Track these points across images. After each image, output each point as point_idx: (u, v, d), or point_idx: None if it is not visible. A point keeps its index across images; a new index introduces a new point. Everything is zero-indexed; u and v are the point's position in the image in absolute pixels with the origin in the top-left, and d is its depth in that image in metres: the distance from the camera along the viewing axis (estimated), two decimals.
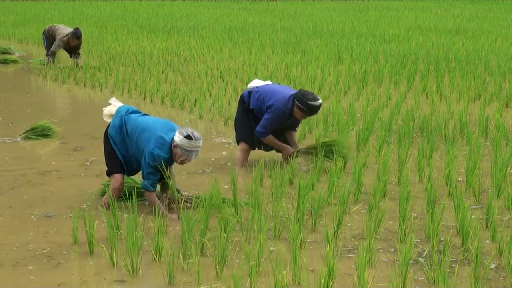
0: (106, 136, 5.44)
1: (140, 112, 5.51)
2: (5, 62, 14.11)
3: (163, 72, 12.27)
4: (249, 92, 6.58)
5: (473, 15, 26.37)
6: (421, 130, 7.79)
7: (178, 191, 5.38)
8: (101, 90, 10.95)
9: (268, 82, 6.73)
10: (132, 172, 5.48)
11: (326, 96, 10.05)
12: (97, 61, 13.86)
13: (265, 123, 6.35)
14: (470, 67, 12.38)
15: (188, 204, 5.31)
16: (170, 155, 5.14)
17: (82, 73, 12.12)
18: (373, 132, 7.58)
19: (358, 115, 8.63)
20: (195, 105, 9.37)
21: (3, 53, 15.04)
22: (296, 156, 6.45)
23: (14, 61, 14.19)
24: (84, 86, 11.39)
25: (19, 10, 28.38)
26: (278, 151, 6.59)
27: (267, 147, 6.59)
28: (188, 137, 5.04)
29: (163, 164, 5.11)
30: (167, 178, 5.18)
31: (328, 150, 6.38)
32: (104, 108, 5.61)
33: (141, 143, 5.19)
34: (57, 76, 12.08)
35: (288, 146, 6.49)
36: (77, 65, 12.86)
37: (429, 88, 10.39)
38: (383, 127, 7.66)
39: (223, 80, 11.40)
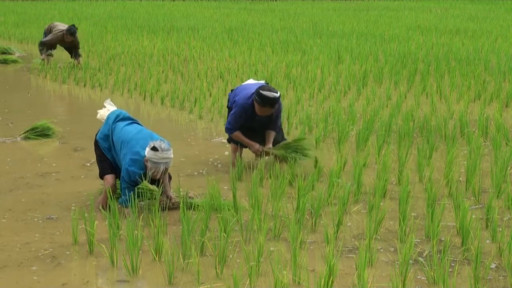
0: (96, 140, 5.48)
1: (129, 119, 5.47)
2: (5, 62, 14.11)
3: (163, 72, 12.27)
4: (232, 91, 6.67)
5: (473, 15, 26.36)
6: (421, 130, 7.78)
7: (169, 197, 5.35)
8: (101, 90, 10.95)
9: (261, 82, 6.72)
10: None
11: (326, 96, 10.05)
12: (97, 61, 13.86)
13: (230, 119, 6.41)
14: (470, 67, 12.37)
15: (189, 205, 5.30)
16: (144, 170, 5.10)
17: (82, 73, 12.13)
18: (373, 132, 7.58)
19: (358, 115, 8.63)
20: (195, 105, 9.37)
21: (3, 53, 15.04)
22: (268, 154, 6.37)
23: (14, 61, 14.18)
24: (84, 86, 11.39)
25: (19, 10, 28.38)
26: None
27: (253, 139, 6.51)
28: (153, 148, 4.96)
29: (141, 179, 5.11)
30: (160, 187, 5.19)
31: (295, 149, 6.32)
32: (98, 111, 5.63)
33: (122, 157, 5.21)
34: (57, 76, 12.09)
35: (255, 143, 6.40)
36: (78, 63, 12.88)
37: (429, 88, 10.39)
38: (383, 127, 7.66)
39: (223, 80, 11.39)
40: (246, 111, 6.28)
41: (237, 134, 6.41)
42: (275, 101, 6.13)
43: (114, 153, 5.38)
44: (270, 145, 6.43)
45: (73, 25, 12.69)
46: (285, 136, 6.84)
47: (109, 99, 5.78)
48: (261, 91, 6.11)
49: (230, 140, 6.63)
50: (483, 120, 7.79)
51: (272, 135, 6.46)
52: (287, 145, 6.43)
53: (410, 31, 19.51)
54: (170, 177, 5.55)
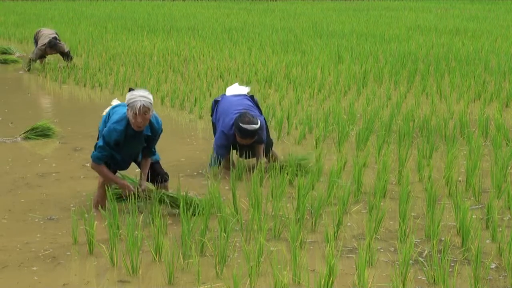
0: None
1: None
2: (5, 62, 14.11)
3: (163, 72, 12.27)
4: (216, 102, 6.53)
5: (473, 15, 26.37)
6: (421, 130, 7.79)
7: (142, 187, 5.29)
8: (101, 90, 10.95)
9: (247, 89, 6.62)
10: (118, 166, 5.46)
11: (326, 96, 10.05)
12: (97, 61, 13.86)
13: (215, 147, 6.23)
14: (470, 67, 12.38)
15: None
16: (126, 128, 5.11)
17: (82, 73, 12.13)
18: (373, 132, 7.58)
19: (358, 115, 8.63)
20: (195, 105, 9.37)
21: (3, 53, 15.03)
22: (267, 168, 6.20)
23: (14, 61, 14.18)
24: (84, 86, 11.39)
25: (19, 10, 28.38)
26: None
27: (244, 155, 6.40)
28: (131, 89, 5.09)
29: (116, 140, 5.10)
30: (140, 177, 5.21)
31: (296, 165, 6.15)
32: (104, 111, 5.64)
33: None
34: (57, 76, 12.09)
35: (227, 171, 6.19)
36: (75, 64, 12.90)
37: (429, 88, 10.39)
38: (383, 127, 7.66)
39: (223, 80, 11.39)
40: (228, 140, 6.17)
41: (214, 170, 6.17)
42: (255, 133, 6.02)
43: None
44: (263, 159, 6.31)
45: (54, 37, 12.66)
46: (286, 136, 6.82)
47: (116, 98, 5.82)
48: (240, 124, 5.96)
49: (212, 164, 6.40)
50: (483, 120, 7.80)
51: (261, 148, 6.32)
52: (289, 161, 6.28)
53: (410, 31, 19.51)
54: (166, 178, 5.52)
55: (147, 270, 4.32)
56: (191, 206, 5.10)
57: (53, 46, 12.57)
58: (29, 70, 12.96)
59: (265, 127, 6.33)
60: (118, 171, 5.47)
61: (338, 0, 39.46)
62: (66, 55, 12.99)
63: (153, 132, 5.29)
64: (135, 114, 5.01)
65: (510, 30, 19.60)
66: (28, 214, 5.32)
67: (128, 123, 5.13)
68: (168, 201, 5.22)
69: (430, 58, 13.58)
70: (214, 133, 6.59)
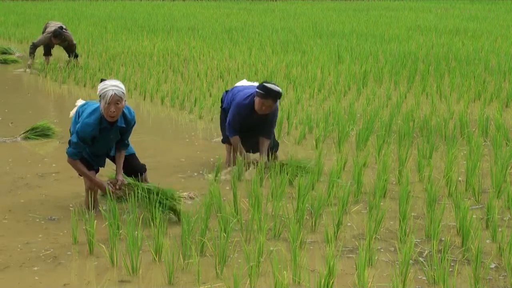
0: None
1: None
2: (5, 62, 14.11)
3: (163, 72, 12.27)
4: (227, 92, 6.63)
5: (473, 15, 26.36)
6: (421, 130, 7.79)
7: (118, 181, 5.29)
8: None
9: (255, 84, 6.66)
10: (100, 162, 5.43)
11: (326, 96, 10.05)
12: (97, 61, 13.86)
13: (229, 119, 6.32)
14: (470, 67, 12.38)
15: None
16: (99, 120, 5.10)
17: (82, 73, 12.13)
18: (373, 132, 7.58)
19: (358, 115, 8.63)
20: (195, 105, 9.37)
21: (3, 53, 15.04)
22: (266, 166, 6.19)
23: (14, 61, 14.18)
24: (84, 86, 11.39)
25: (19, 10, 28.38)
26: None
27: (249, 148, 6.43)
28: (102, 80, 5.12)
29: (91, 135, 5.08)
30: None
31: (295, 168, 6.13)
32: (71, 112, 5.59)
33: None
34: (57, 76, 12.09)
35: (244, 153, 6.34)
36: (75, 64, 12.89)
37: (429, 88, 10.39)
38: (383, 127, 7.66)
39: (223, 80, 11.40)
40: (242, 111, 6.21)
41: (235, 140, 6.33)
42: (278, 95, 6.10)
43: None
44: (265, 158, 6.30)
45: (60, 27, 12.64)
46: (286, 136, 6.82)
47: (80, 99, 5.73)
48: (265, 84, 6.10)
49: (225, 141, 6.60)
50: (483, 120, 7.80)
51: (266, 144, 6.33)
52: (287, 163, 6.26)
53: (410, 31, 19.51)
54: (143, 170, 5.49)
55: (147, 270, 4.32)
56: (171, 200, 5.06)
57: (58, 35, 12.54)
58: (31, 54, 12.99)
59: (275, 119, 6.42)
60: (99, 168, 5.46)
61: (338, 0, 39.45)
62: (71, 51, 12.96)
63: (127, 123, 5.27)
64: (108, 103, 5.00)
65: (510, 30, 19.60)
66: (28, 214, 5.32)
67: (101, 116, 5.11)
68: (145, 195, 5.11)
69: (430, 58, 13.58)
70: (222, 120, 6.61)
